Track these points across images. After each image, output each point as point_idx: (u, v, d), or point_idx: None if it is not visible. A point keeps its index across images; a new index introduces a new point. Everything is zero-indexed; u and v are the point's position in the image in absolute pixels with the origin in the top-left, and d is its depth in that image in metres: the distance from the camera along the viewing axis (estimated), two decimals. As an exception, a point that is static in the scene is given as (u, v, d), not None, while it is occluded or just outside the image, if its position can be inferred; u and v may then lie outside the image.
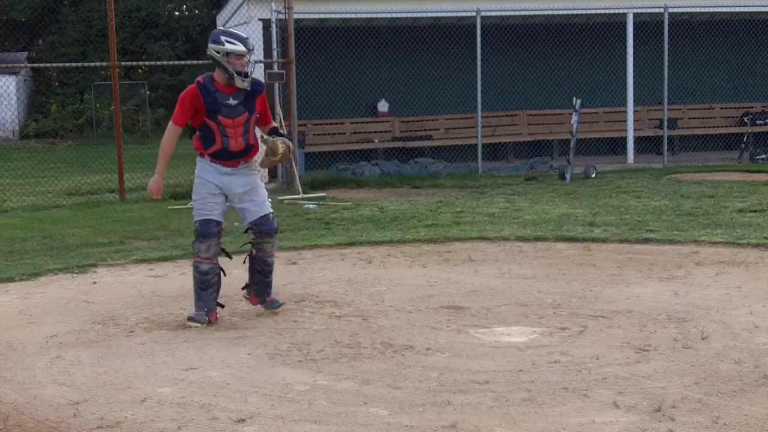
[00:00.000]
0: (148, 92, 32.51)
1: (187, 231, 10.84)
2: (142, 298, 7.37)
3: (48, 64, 29.17)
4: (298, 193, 14.06)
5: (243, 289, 6.89)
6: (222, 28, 6.89)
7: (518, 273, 8.03)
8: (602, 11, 17.62)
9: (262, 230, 6.61)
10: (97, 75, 33.59)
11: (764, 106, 20.17)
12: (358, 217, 11.71)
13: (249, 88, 6.44)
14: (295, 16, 15.38)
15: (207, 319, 6.44)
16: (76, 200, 14.45)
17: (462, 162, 17.61)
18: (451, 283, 7.64)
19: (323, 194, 14.06)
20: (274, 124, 6.79)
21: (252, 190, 6.58)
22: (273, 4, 15.47)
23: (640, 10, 17.63)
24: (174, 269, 8.60)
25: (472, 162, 17.14)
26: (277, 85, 15.36)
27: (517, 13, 17.53)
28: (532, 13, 17.75)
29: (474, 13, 16.74)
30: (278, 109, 15.37)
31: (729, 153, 18.89)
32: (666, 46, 17.25)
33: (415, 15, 17.53)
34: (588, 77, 19.15)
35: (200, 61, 23.54)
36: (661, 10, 17.35)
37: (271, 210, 6.66)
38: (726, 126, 20.13)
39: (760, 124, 19.60)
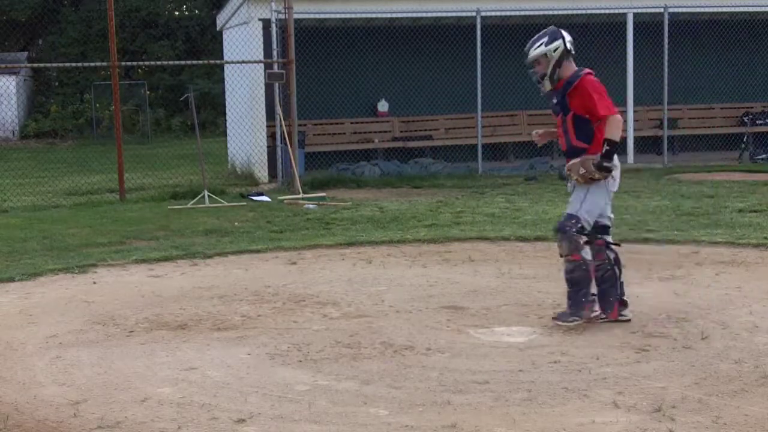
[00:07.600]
0: (148, 92, 32.45)
1: (187, 231, 10.86)
2: (142, 298, 7.36)
3: (48, 64, 29.14)
4: (298, 193, 14.06)
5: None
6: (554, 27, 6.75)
7: (518, 273, 8.04)
8: (602, 11, 17.60)
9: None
10: (97, 75, 33.51)
11: (764, 106, 20.14)
12: (358, 217, 11.70)
13: (551, 89, 6.31)
14: (295, 16, 15.38)
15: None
16: (76, 200, 14.44)
17: (462, 162, 17.59)
18: (451, 283, 7.64)
19: (323, 194, 14.06)
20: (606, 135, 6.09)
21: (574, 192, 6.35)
22: (273, 4, 15.47)
23: (640, 10, 17.61)
24: (174, 269, 8.59)
25: (472, 162, 17.13)
26: (277, 85, 15.37)
27: (517, 13, 17.50)
28: (532, 13, 17.70)
29: (474, 13, 16.73)
30: (278, 109, 15.39)
31: (729, 153, 18.85)
32: (666, 46, 17.23)
33: (415, 15, 17.52)
34: (588, 77, 19.10)
35: (200, 61, 23.75)
36: (661, 10, 17.34)
37: (572, 211, 6.30)
38: (726, 126, 20.10)
39: (760, 124, 19.58)
